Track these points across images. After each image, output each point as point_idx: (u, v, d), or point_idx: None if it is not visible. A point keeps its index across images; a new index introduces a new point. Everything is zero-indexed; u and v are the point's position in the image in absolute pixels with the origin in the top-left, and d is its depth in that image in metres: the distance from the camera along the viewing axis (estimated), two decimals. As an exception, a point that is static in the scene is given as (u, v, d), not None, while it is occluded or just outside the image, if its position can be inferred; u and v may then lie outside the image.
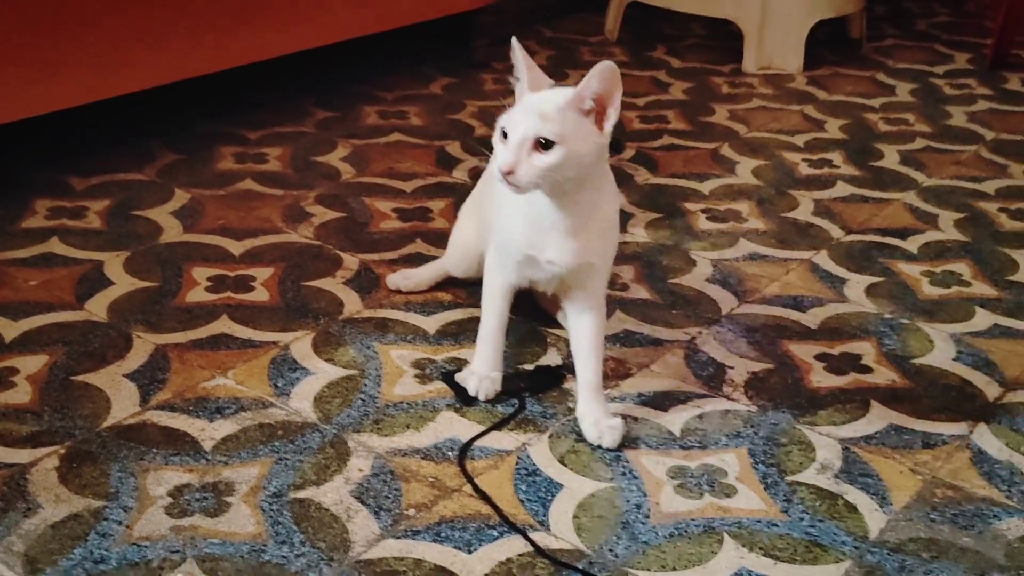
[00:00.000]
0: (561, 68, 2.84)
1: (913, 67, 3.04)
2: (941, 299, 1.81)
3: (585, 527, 1.27)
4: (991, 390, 1.57)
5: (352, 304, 1.70)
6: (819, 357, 1.63)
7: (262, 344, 1.58)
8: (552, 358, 1.60)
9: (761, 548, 1.25)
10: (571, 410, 1.47)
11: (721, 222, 2.05)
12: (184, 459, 1.34)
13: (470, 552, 1.22)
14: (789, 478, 1.37)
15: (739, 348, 1.65)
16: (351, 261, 1.83)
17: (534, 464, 1.37)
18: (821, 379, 1.58)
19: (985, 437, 1.47)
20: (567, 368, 1.55)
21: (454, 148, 2.33)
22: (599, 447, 1.40)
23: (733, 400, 1.52)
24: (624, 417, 1.44)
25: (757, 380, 1.57)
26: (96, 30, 2.00)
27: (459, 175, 2.19)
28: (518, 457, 1.38)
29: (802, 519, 1.30)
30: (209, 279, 1.75)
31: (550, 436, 1.42)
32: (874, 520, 1.30)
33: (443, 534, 1.24)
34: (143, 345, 1.57)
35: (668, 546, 1.24)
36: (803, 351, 1.64)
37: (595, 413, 1.42)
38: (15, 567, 1.16)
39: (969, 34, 3.38)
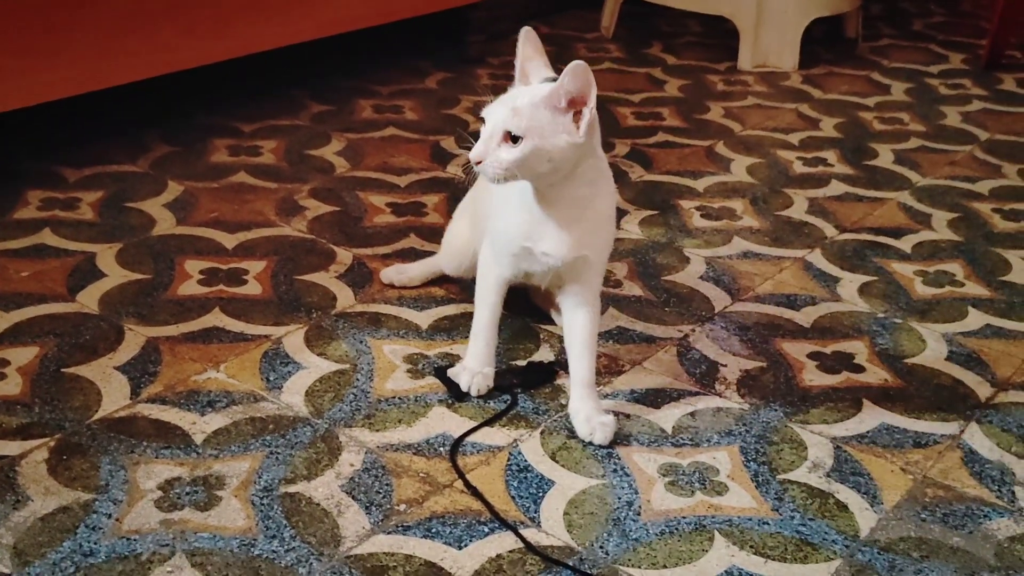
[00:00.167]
0: (556, 64, 2.81)
1: (908, 67, 3.04)
2: (934, 299, 1.82)
3: (576, 524, 1.27)
4: (983, 390, 1.57)
5: (345, 298, 1.70)
6: (812, 356, 1.63)
7: (254, 338, 1.58)
8: (545, 354, 1.59)
9: (752, 546, 1.25)
10: (563, 406, 1.46)
11: (715, 220, 2.05)
12: (175, 452, 1.33)
13: (460, 548, 1.22)
14: (780, 476, 1.37)
15: (732, 346, 1.65)
16: (344, 255, 1.83)
17: (525, 460, 1.37)
18: (813, 378, 1.58)
19: (976, 437, 1.47)
20: (560, 364, 1.55)
21: (448, 143, 2.32)
22: (591, 444, 1.40)
23: (725, 398, 1.52)
24: (616, 414, 1.44)
25: (749, 378, 1.57)
26: (90, 20, 1.99)
27: (453, 170, 2.19)
28: (510, 453, 1.38)
29: (793, 517, 1.30)
30: (202, 272, 1.74)
31: (542, 432, 1.42)
32: (865, 519, 1.30)
33: (434, 530, 1.24)
34: (134, 338, 1.56)
35: (659, 544, 1.24)
36: (796, 349, 1.65)
37: (587, 409, 1.41)
38: (4, 559, 1.16)
39: (964, 34, 3.38)
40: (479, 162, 1.28)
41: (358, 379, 1.50)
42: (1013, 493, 1.37)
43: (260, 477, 1.30)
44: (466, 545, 1.22)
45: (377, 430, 1.40)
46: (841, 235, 2.03)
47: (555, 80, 1.29)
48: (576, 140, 1.28)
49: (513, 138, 1.27)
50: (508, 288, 1.48)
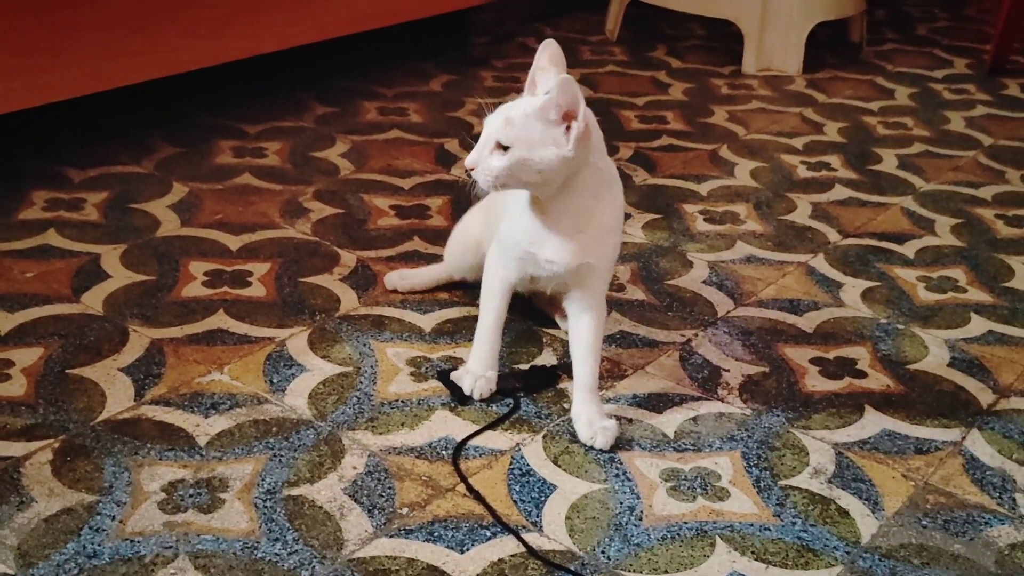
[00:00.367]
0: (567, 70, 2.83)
1: (912, 71, 3.04)
2: (937, 304, 1.82)
3: (578, 528, 1.27)
4: (985, 396, 1.58)
5: (349, 301, 1.70)
6: (814, 361, 1.63)
7: (258, 340, 1.58)
8: (548, 358, 1.60)
9: (753, 552, 1.25)
10: (566, 411, 1.47)
11: (718, 224, 2.05)
12: (178, 454, 1.34)
13: (463, 552, 1.22)
14: (782, 482, 1.37)
15: (734, 351, 1.65)
16: (348, 258, 1.83)
17: (528, 464, 1.37)
18: (816, 383, 1.58)
19: (978, 444, 1.47)
20: (562, 368, 1.55)
21: (452, 145, 2.33)
22: (593, 448, 1.40)
23: (727, 403, 1.52)
24: (618, 418, 1.44)
25: (752, 383, 1.57)
26: (94, 21, 1.99)
27: (458, 172, 2.19)
28: (512, 457, 1.38)
29: (794, 523, 1.30)
30: (206, 274, 1.75)
31: (544, 436, 1.43)
32: (866, 525, 1.31)
33: (436, 533, 1.24)
34: (139, 339, 1.56)
35: (660, 549, 1.25)
36: (798, 355, 1.65)
37: (589, 414, 1.42)
38: (7, 561, 1.16)
39: (969, 39, 3.38)
40: (472, 168, 1.31)
41: (361, 382, 1.51)
42: (1014, 500, 1.37)
43: (263, 480, 1.31)
44: (468, 549, 1.22)
45: (380, 433, 1.41)
46: (844, 240, 2.03)
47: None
48: (565, 153, 1.29)
49: (504, 147, 1.29)
50: (513, 292, 1.48)
